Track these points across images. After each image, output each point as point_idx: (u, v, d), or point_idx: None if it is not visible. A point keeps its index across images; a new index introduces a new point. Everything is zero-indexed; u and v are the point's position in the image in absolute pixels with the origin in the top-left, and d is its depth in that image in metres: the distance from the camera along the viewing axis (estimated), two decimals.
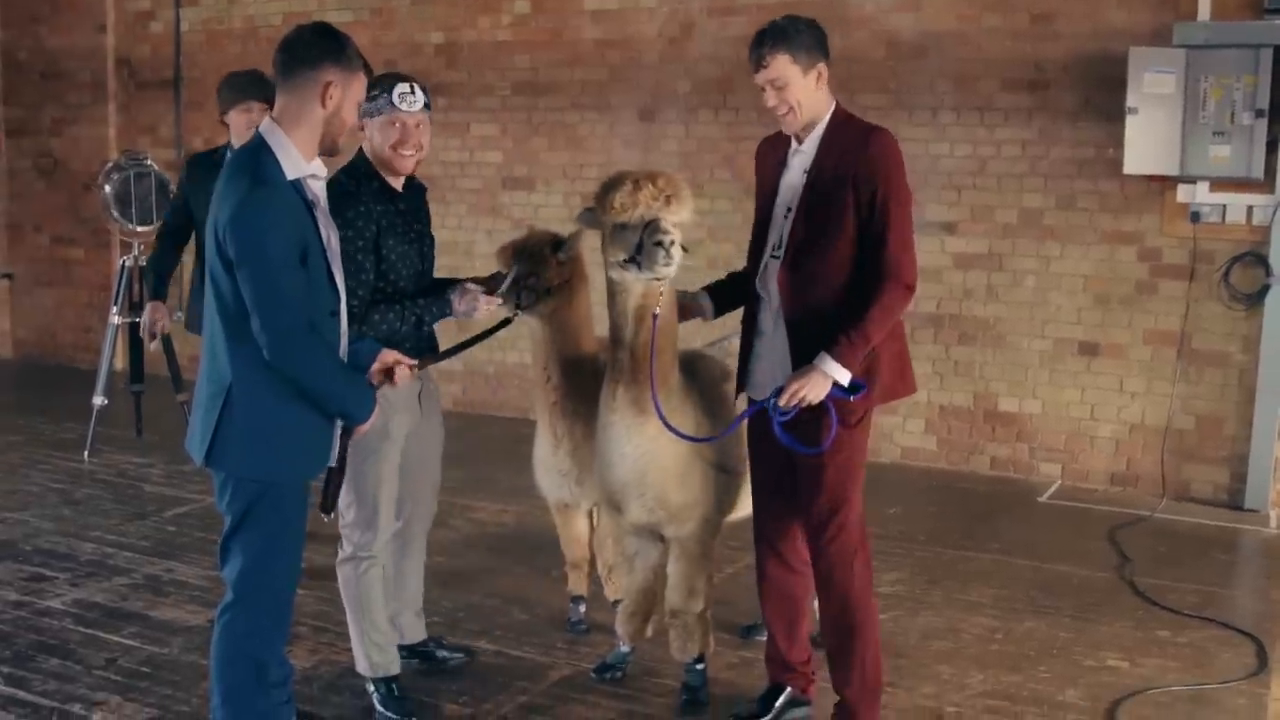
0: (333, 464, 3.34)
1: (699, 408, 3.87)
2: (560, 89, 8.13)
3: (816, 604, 3.82)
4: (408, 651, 4.20)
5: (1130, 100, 6.39)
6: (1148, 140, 6.39)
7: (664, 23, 7.79)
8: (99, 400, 7.15)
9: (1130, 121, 6.40)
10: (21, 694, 4.12)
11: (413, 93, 3.74)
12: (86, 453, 7.12)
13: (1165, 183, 6.57)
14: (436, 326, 3.93)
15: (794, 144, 3.64)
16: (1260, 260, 6.41)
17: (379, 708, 3.97)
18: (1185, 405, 6.66)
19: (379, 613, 3.95)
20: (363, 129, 3.75)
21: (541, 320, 4.15)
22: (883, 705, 3.80)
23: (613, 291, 3.66)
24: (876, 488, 4.91)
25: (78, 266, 9.99)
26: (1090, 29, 6.70)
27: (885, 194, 3.46)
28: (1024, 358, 7.02)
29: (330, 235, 3.23)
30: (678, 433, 3.65)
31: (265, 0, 8.98)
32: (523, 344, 6.95)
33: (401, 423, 3.84)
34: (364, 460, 3.73)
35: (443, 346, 3.99)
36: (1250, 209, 6.44)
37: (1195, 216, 6.53)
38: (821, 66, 3.54)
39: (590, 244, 3.93)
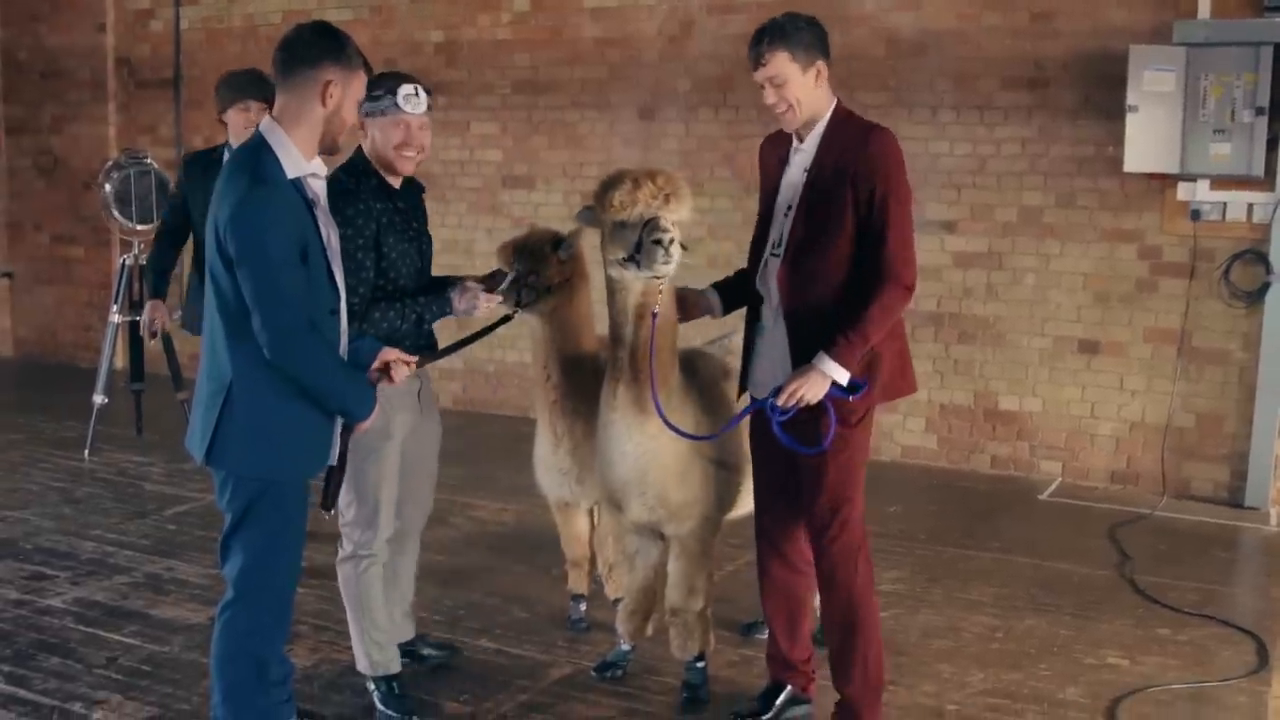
0: (333, 462, 3.34)
1: (699, 406, 3.87)
2: (560, 87, 8.13)
3: (818, 602, 3.82)
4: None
5: (1130, 98, 6.38)
6: (1148, 138, 6.39)
7: (664, 21, 7.79)
8: (99, 399, 7.15)
9: (1130, 119, 6.40)
10: (22, 692, 4.12)
11: (417, 94, 3.75)
12: (87, 451, 7.12)
13: (1165, 180, 6.57)
14: (435, 326, 3.93)
15: (795, 142, 3.64)
16: (1260, 258, 6.40)
17: (380, 706, 3.97)
18: (1185, 403, 6.66)
19: (379, 611, 3.95)
20: (363, 128, 3.75)
21: (542, 319, 4.15)
22: (884, 703, 3.80)
23: (612, 290, 3.66)
24: (877, 486, 4.92)
25: (78, 265, 10.00)
26: (1090, 27, 6.70)
27: (885, 192, 3.46)
28: (1024, 356, 7.02)
29: (330, 234, 3.24)
30: (678, 431, 3.65)
31: None
32: (523, 343, 6.96)
33: (402, 422, 3.84)
34: (365, 459, 3.73)
35: (441, 345, 3.99)
36: (1250, 207, 6.44)
37: (1195, 214, 6.53)
38: (821, 64, 3.53)
39: (591, 242, 3.93)
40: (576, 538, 4.60)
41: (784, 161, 3.68)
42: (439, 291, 3.87)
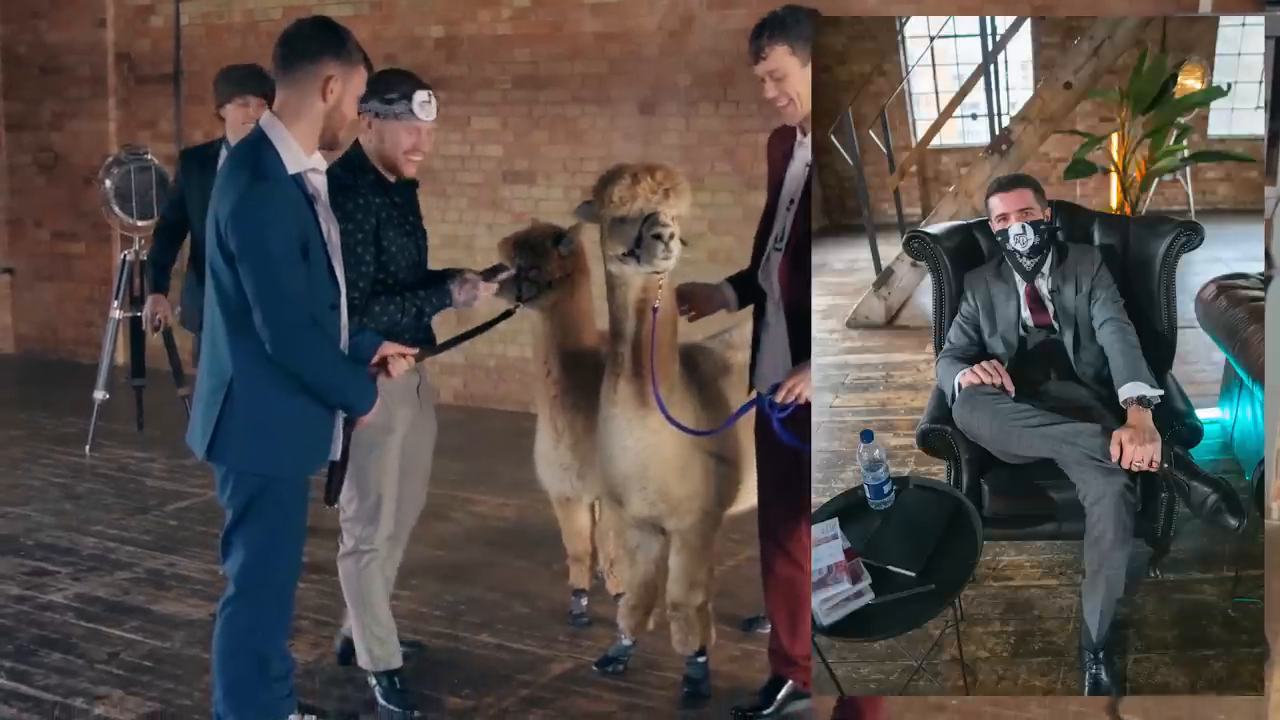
0: (335, 457, 3.34)
1: (699, 400, 3.87)
2: (560, 82, 8.12)
3: None
4: None
5: None
6: None
7: (664, 15, 7.78)
8: (100, 395, 7.15)
9: None
10: (24, 688, 4.12)
11: (430, 101, 3.76)
12: (88, 447, 7.12)
13: None
14: (435, 323, 3.93)
15: (799, 135, 3.64)
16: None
17: (381, 701, 3.97)
18: None
19: (380, 606, 3.94)
20: (369, 126, 3.75)
21: (542, 314, 4.16)
22: (885, 698, 3.79)
23: (612, 285, 3.66)
24: None
25: (78, 261, 9.99)
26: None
27: None
28: None
29: (330, 229, 3.23)
30: (679, 425, 3.65)
31: None
32: (524, 338, 6.95)
33: (404, 417, 3.84)
34: (367, 454, 3.73)
35: (440, 341, 3.99)
36: None
37: None
38: None
39: (591, 237, 3.93)
40: (578, 533, 4.60)
41: (788, 155, 3.67)
42: (438, 284, 3.88)
